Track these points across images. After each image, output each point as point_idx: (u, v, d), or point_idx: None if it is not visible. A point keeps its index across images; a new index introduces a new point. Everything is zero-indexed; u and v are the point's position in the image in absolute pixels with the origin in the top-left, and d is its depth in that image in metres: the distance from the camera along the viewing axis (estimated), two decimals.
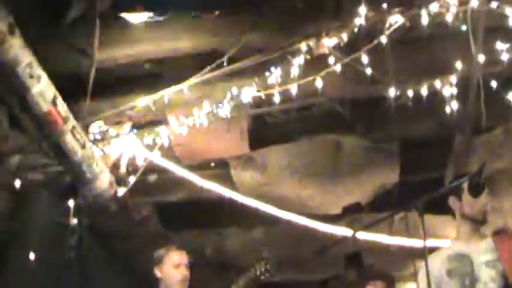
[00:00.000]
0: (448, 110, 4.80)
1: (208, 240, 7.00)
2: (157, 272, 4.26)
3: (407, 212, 6.31)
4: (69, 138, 4.51)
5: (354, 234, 4.37)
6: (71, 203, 5.37)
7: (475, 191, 3.71)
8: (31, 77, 3.84)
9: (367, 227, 4.86)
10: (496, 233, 3.82)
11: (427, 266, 3.25)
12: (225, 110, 4.78)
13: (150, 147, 5.25)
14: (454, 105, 4.78)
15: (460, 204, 3.78)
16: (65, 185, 5.25)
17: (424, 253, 3.31)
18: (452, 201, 3.83)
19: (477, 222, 3.73)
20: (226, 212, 6.30)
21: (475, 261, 3.58)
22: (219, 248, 7.01)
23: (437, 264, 3.70)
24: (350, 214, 6.36)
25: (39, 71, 3.93)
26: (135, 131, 5.23)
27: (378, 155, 5.68)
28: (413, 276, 3.74)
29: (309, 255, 6.95)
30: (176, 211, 6.57)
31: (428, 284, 3.14)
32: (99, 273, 6.35)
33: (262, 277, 4.11)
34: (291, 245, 6.90)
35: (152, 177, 5.79)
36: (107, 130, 5.22)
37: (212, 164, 5.77)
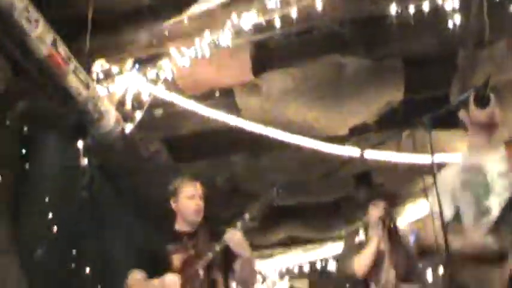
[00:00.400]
0: (450, 24, 4.78)
1: (218, 170, 7.04)
2: (173, 204, 4.32)
3: (414, 129, 6.35)
4: (72, 79, 4.53)
5: (361, 153, 4.41)
6: (79, 144, 5.41)
7: (482, 104, 3.70)
8: (28, 21, 3.83)
9: (374, 146, 4.88)
10: (506, 143, 3.81)
11: (435, 182, 3.27)
12: (226, 39, 4.76)
13: (154, 82, 5.26)
14: (457, 19, 4.75)
15: (469, 115, 3.78)
16: (73, 127, 5.28)
17: (432, 168, 3.31)
18: (462, 113, 3.81)
19: (488, 129, 3.71)
20: (234, 141, 6.35)
21: (488, 172, 3.56)
22: (230, 176, 7.07)
23: (451, 176, 3.68)
24: (357, 134, 6.34)
25: (36, 14, 3.91)
26: (137, 66, 5.23)
27: (381, 74, 5.64)
28: (423, 192, 3.77)
29: (319, 178, 7.05)
30: (185, 144, 6.59)
31: (438, 199, 3.15)
32: (112, 211, 6.44)
33: (273, 203, 4.16)
34: (300, 168, 6.94)
35: (158, 112, 5.80)
36: (110, 68, 5.23)
37: (217, 93, 5.75)
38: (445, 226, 3.12)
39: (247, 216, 4.08)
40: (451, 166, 3.87)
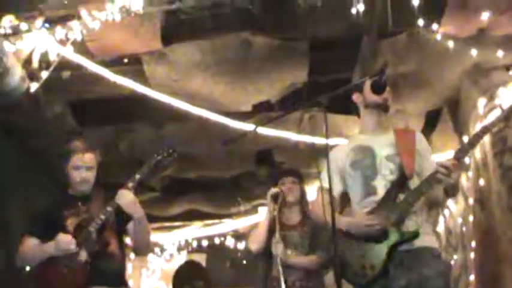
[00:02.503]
0: (354, 11, 4.97)
1: (121, 137, 7.07)
2: (66, 169, 4.33)
3: (315, 111, 6.55)
4: None
5: (255, 129, 4.51)
6: None
7: (378, 90, 3.82)
8: None
9: (270, 121, 4.96)
10: (396, 129, 4.00)
11: (328, 162, 3.39)
12: (137, 5, 4.79)
13: (63, 43, 5.24)
14: (361, 7, 4.94)
15: (363, 97, 3.95)
16: None
17: (326, 149, 3.44)
18: (356, 96, 4.00)
19: (379, 113, 3.90)
20: (139, 109, 6.37)
21: (376, 154, 3.79)
22: (132, 144, 7.11)
23: (342, 155, 3.91)
24: (260, 112, 6.49)
25: None
26: (47, 25, 5.19)
27: (287, 54, 5.77)
28: (318, 174, 3.91)
29: (220, 152, 7.15)
30: (90, 108, 6.56)
31: (329, 178, 3.27)
32: (12, 172, 6.36)
33: (165, 163, 4.22)
34: (203, 141, 7.05)
35: (66, 74, 5.76)
36: (19, 24, 5.17)
37: (125, 60, 5.75)
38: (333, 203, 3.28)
39: (137, 176, 4.14)
40: (342, 145, 4.06)
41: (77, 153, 4.27)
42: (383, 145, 3.81)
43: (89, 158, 4.28)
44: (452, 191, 3.58)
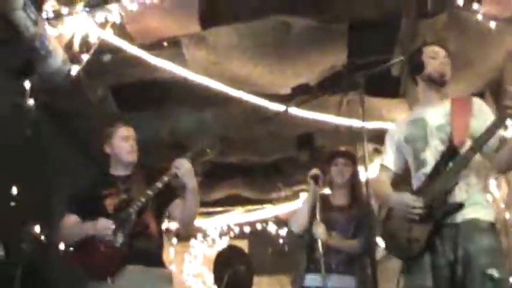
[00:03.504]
0: None
1: (162, 121, 7.11)
2: (107, 148, 4.38)
3: (354, 95, 6.50)
4: (20, 14, 4.55)
5: (286, 109, 4.48)
6: (26, 82, 5.44)
7: (416, 70, 3.80)
8: None
9: (302, 102, 4.92)
10: (454, 99, 3.90)
11: (364, 147, 3.40)
12: None
13: (103, 26, 5.31)
14: None
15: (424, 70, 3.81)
16: (20, 64, 5.30)
17: (362, 132, 3.48)
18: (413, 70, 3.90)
19: (437, 85, 3.78)
20: (179, 93, 6.41)
21: (428, 124, 3.68)
22: (173, 128, 7.14)
23: (399, 130, 3.86)
24: (299, 95, 6.47)
25: None
26: (87, 9, 5.27)
27: (326, 36, 5.74)
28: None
29: (261, 136, 7.16)
30: (131, 92, 6.62)
31: (365, 159, 3.31)
32: (54, 153, 6.47)
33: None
34: (243, 125, 7.07)
35: (106, 57, 5.82)
36: (60, 9, 5.26)
37: (165, 43, 5.79)
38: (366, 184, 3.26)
39: (190, 153, 4.14)
40: (400, 120, 4.01)
41: (123, 126, 4.37)
42: (436, 115, 3.69)
43: (133, 131, 4.37)
44: None
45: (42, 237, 5.75)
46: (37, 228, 5.66)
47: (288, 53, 5.92)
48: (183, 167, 4.05)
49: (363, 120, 3.52)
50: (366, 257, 4.69)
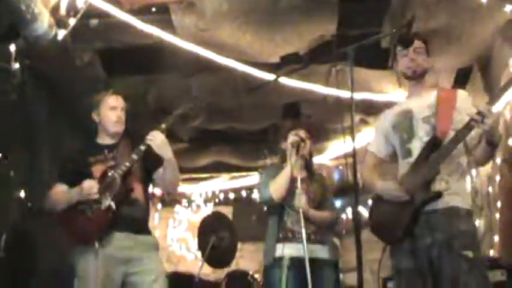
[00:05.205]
0: None
1: (149, 87, 7.10)
2: (95, 116, 4.40)
3: (343, 65, 6.46)
4: None
5: (276, 78, 4.47)
6: (11, 46, 5.37)
7: (405, 43, 3.90)
8: None
9: (290, 71, 4.89)
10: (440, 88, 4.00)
11: (352, 117, 3.42)
12: None
13: None
14: None
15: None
16: (5, 28, 5.22)
17: (351, 103, 3.48)
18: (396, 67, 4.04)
19: (417, 78, 3.93)
20: (166, 59, 6.35)
21: (414, 116, 3.83)
22: (159, 94, 7.11)
23: (387, 119, 4.02)
24: (287, 64, 6.42)
25: None
26: None
27: (316, 5, 5.67)
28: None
29: (248, 104, 7.14)
30: (118, 57, 6.53)
31: (352, 139, 3.35)
32: (41, 119, 6.43)
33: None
34: (230, 93, 7.06)
35: (94, 22, 5.75)
36: None
37: (153, 9, 5.72)
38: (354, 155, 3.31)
39: (169, 121, 4.22)
40: (389, 110, 4.09)
41: (111, 95, 4.41)
42: (422, 107, 3.83)
43: (122, 101, 4.41)
44: (491, 138, 3.51)
45: (28, 204, 5.74)
46: (22, 194, 5.66)
47: (278, 21, 5.84)
48: (157, 140, 4.10)
49: (352, 92, 3.49)
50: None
